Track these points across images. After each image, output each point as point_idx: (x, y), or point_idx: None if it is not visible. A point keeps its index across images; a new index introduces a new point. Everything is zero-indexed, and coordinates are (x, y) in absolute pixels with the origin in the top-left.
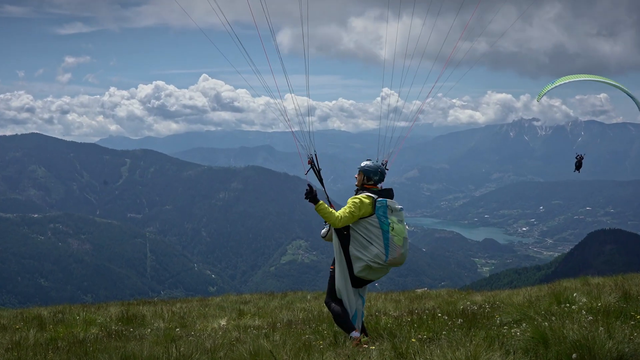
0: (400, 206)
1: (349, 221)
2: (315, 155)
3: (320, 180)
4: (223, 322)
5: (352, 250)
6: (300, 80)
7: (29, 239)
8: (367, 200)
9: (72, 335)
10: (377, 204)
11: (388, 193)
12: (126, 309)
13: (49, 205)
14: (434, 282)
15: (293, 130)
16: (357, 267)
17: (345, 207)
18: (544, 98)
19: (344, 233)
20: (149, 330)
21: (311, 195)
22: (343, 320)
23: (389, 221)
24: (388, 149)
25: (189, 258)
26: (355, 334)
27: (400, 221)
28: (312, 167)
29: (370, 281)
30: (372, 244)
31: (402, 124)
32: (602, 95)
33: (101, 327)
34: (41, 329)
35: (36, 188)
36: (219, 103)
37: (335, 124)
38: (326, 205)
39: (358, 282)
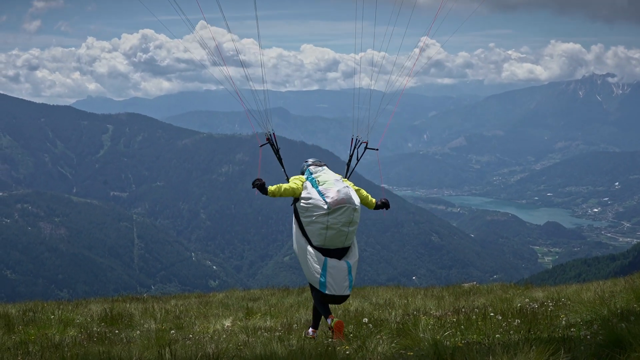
0: (321, 167)
1: (295, 188)
2: (274, 134)
3: (280, 160)
4: (227, 323)
5: (303, 220)
6: (321, 27)
7: None
8: (298, 179)
9: (46, 338)
10: (305, 174)
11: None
12: (110, 307)
13: (16, 182)
14: (485, 274)
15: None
16: (313, 234)
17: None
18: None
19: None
20: (138, 332)
21: (260, 184)
22: (315, 310)
23: (314, 177)
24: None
25: (185, 246)
26: (311, 331)
27: (321, 172)
28: (271, 145)
29: (338, 250)
30: (313, 201)
31: (446, 80)
32: None
33: (80, 328)
34: (8, 331)
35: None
36: (221, 56)
37: (364, 81)
38: (274, 186)
39: (328, 253)
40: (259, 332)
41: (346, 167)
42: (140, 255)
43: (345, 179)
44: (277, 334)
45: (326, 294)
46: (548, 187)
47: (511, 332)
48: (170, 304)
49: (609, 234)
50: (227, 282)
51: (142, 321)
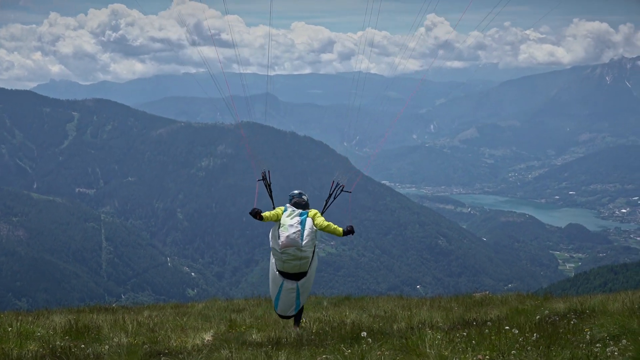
0: (299, 211)
1: (275, 215)
2: (268, 172)
3: (270, 195)
4: (208, 337)
5: (271, 248)
6: (313, 4)
7: None
8: (280, 210)
9: (3, 353)
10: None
11: (298, 205)
12: (75, 318)
13: None
14: (499, 283)
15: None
16: (276, 261)
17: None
18: None
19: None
20: (107, 347)
21: (255, 212)
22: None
23: (281, 219)
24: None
25: (160, 250)
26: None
27: (289, 216)
28: (264, 180)
29: (295, 275)
30: (273, 240)
31: (455, 64)
32: None
33: (42, 342)
34: None
35: None
36: (201, 35)
37: (363, 64)
38: (267, 212)
39: (287, 275)
40: (244, 347)
41: (324, 203)
42: (109, 260)
43: (319, 214)
44: (264, 349)
45: (277, 311)
46: (570, 184)
47: (529, 348)
48: (143, 315)
49: (638, 238)
50: (207, 290)
51: (111, 334)
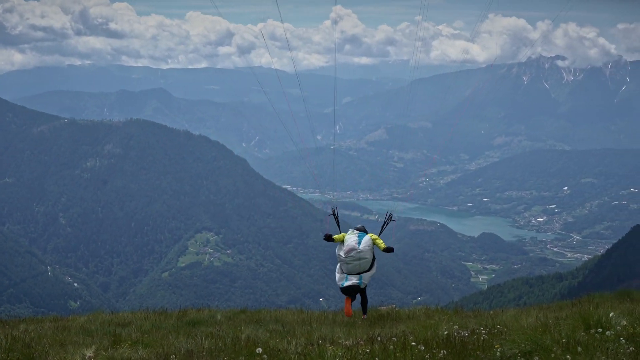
0: (357, 232)
1: (340, 237)
2: (336, 207)
3: (338, 225)
4: (89, 353)
5: (337, 259)
6: None
7: None
8: (345, 234)
9: None
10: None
11: (359, 230)
12: None
13: None
14: (407, 296)
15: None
16: (342, 266)
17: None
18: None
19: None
20: None
21: (327, 236)
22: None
23: (346, 236)
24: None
25: (40, 258)
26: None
27: (350, 234)
28: (333, 215)
29: (357, 273)
30: (339, 251)
31: (364, 60)
32: None
33: None
34: None
35: None
36: (87, 24)
37: (264, 58)
38: (337, 235)
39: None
40: None
41: (380, 229)
42: None
43: (376, 236)
44: None
45: (343, 287)
46: (484, 191)
47: None
48: (19, 330)
49: (555, 249)
50: (90, 303)
51: None
